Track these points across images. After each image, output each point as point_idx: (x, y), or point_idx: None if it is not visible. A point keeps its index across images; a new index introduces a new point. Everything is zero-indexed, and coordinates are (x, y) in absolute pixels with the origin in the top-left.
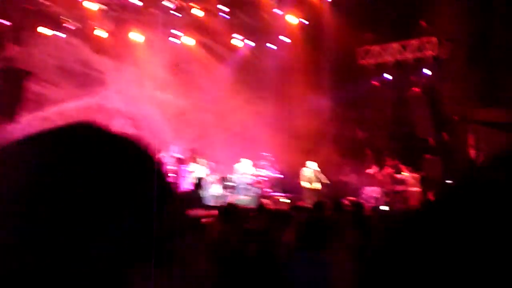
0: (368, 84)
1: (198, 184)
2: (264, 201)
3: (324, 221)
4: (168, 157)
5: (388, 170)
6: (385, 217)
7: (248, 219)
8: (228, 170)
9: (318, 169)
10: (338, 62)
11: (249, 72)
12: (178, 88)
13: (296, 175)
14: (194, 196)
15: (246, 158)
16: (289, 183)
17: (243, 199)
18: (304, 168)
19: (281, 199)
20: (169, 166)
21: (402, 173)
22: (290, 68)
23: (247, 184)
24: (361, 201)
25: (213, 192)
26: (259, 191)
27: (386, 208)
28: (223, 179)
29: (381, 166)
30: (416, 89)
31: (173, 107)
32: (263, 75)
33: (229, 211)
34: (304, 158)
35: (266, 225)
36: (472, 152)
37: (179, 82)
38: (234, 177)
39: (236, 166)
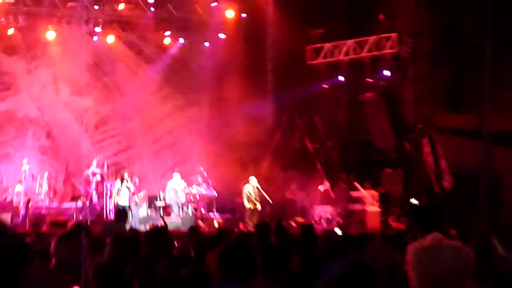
0: (318, 87)
1: (120, 214)
2: (199, 223)
3: (252, 246)
4: (87, 174)
5: (342, 186)
6: (337, 243)
7: (178, 244)
8: (157, 186)
9: (259, 186)
10: (283, 62)
11: (180, 74)
12: (99, 92)
13: (235, 193)
14: (115, 230)
15: (178, 173)
16: (227, 201)
17: (175, 221)
18: (246, 185)
19: (216, 221)
20: (90, 184)
21: (358, 189)
22: (227, 69)
23: (180, 203)
24: (310, 222)
25: (140, 214)
26: (193, 212)
27: (339, 231)
28: (152, 198)
29: (333, 182)
30: (372, 93)
31: (94, 115)
32: (196, 77)
33: (156, 235)
34: (243, 173)
35: (197, 251)
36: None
37: (100, 86)
38: (165, 195)
39: (169, 183)
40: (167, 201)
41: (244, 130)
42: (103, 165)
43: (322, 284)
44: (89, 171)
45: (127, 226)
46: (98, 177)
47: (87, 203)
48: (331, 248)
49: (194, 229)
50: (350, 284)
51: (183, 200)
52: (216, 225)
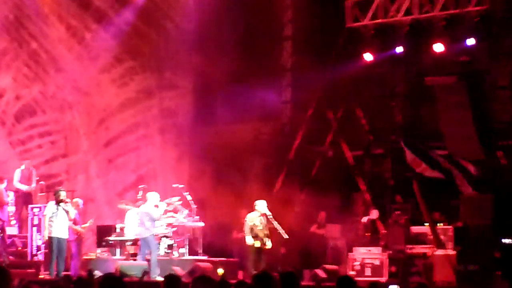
0: (361, 64)
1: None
2: (176, 270)
3: None
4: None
5: (398, 217)
6: None
7: None
8: (112, 213)
9: (270, 214)
10: (307, 24)
11: (149, 40)
12: (22, 66)
13: (231, 224)
14: None
15: (154, 192)
16: (220, 237)
17: (140, 265)
18: (249, 214)
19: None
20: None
21: (422, 222)
22: (220, 34)
23: (155, 237)
24: (349, 273)
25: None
26: (168, 251)
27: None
28: (103, 230)
29: (384, 210)
30: (448, 75)
31: (14, 101)
32: (174, 46)
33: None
34: (245, 194)
35: None
36: None
37: (24, 56)
38: (124, 226)
39: (140, 207)
40: (128, 235)
41: (246, 129)
42: (29, 177)
43: None
44: (2, 188)
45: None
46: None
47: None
48: None
49: (171, 278)
50: None
51: (158, 233)
52: (220, 272)
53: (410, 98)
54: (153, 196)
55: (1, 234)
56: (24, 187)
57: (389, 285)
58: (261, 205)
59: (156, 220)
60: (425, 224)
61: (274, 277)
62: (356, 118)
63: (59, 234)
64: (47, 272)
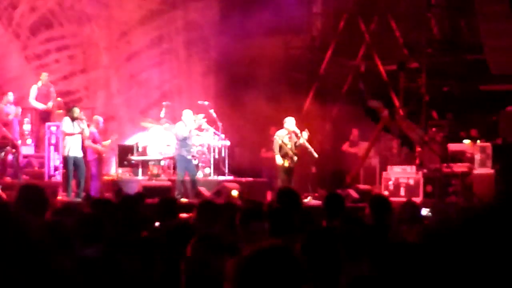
0: None
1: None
2: (202, 190)
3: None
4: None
5: (435, 134)
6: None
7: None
8: (134, 131)
9: (299, 132)
10: None
11: None
12: None
13: (259, 143)
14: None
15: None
16: (247, 156)
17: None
18: (278, 131)
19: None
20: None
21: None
22: None
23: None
24: (383, 193)
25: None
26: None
27: (425, 211)
28: (124, 149)
29: (420, 127)
30: None
31: (29, 11)
32: None
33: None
34: (272, 111)
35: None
36: None
37: None
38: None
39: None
40: (151, 154)
41: (274, 43)
42: (47, 94)
43: None
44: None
45: None
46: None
47: (13, 154)
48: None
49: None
50: None
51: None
52: (235, 194)
53: (447, 9)
54: (184, 114)
55: (15, 154)
56: (40, 106)
57: (422, 207)
58: (290, 123)
59: (182, 140)
60: (464, 141)
61: (297, 193)
62: (390, 31)
63: (75, 153)
64: (65, 193)
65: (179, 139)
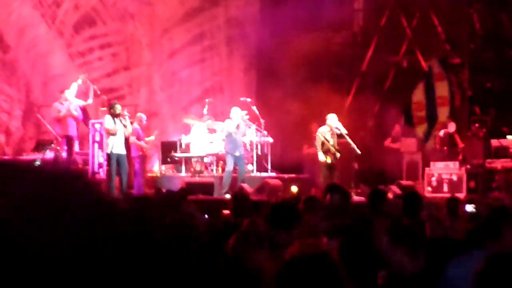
0: None
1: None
2: (244, 186)
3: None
4: (58, 106)
5: (478, 129)
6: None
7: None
8: (177, 128)
9: (342, 128)
10: None
11: None
12: None
13: (301, 139)
14: None
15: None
16: (289, 153)
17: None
18: (320, 128)
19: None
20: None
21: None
22: None
23: (227, 154)
24: (426, 189)
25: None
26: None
27: (472, 209)
28: (168, 146)
29: (464, 122)
30: None
31: (73, 9)
32: None
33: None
34: (315, 107)
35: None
36: None
37: None
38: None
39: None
40: (193, 151)
41: (316, 39)
42: (87, 92)
43: None
44: (64, 102)
45: None
46: (79, 112)
47: (62, 153)
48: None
49: (238, 196)
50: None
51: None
52: (295, 190)
53: (490, 4)
54: (232, 111)
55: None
56: (80, 102)
57: (466, 204)
58: (332, 119)
59: (229, 136)
60: (508, 137)
61: (344, 189)
62: (432, 26)
63: (118, 150)
64: (108, 191)
65: (227, 135)
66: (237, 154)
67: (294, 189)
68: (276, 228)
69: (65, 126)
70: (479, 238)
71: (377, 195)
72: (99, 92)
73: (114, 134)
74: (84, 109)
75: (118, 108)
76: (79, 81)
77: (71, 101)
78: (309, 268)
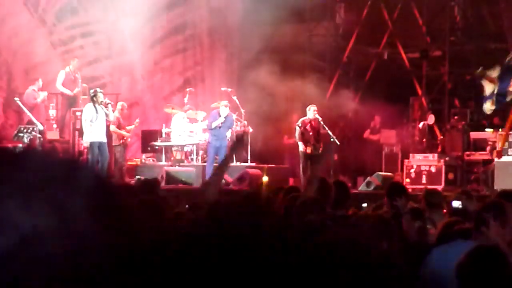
0: None
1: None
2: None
3: None
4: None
5: (457, 122)
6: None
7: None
8: (158, 117)
9: (320, 120)
10: None
11: None
12: None
13: (280, 129)
14: None
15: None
16: (268, 142)
17: (186, 171)
18: (301, 119)
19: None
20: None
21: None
22: None
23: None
24: (405, 181)
25: None
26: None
27: (458, 204)
28: (148, 135)
29: (443, 115)
30: None
31: None
32: None
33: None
34: (295, 97)
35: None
36: None
37: None
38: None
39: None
40: (174, 140)
41: (298, 30)
42: (75, 80)
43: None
44: (40, 92)
45: None
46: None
47: (39, 139)
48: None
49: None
50: (476, 279)
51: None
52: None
53: None
54: (221, 106)
55: (41, 139)
56: (67, 91)
57: (453, 201)
58: (312, 110)
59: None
60: (487, 129)
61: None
62: (413, 18)
63: (99, 138)
64: None
65: (210, 128)
66: (218, 145)
67: (264, 179)
68: None
69: (37, 113)
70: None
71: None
72: (80, 80)
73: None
74: (72, 98)
75: (101, 96)
76: (67, 69)
77: (58, 90)
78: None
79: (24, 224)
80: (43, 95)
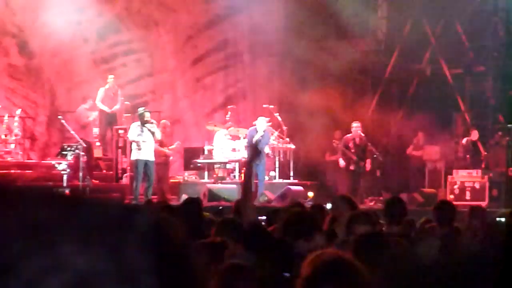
0: None
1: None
2: (267, 194)
3: None
4: (83, 111)
5: (501, 138)
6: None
7: None
8: (200, 135)
9: (362, 134)
10: None
11: None
12: None
13: (323, 147)
14: None
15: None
16: (310, 160)
17: (228, 188)
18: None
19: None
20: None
21: None
22: None
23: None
24: (448, 197)
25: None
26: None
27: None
28: (192, 153)
29: (487, 131)
30: None
31: (97, 16)
32: None
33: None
34: (338, 115)
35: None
36: None
37: None
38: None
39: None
40: (216, 157)
41: (339, 46)
42: (115, 97)
43: None
44: (83, 108)
45: None
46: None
47: (84, 157)
48: (487, 242)
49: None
50: None
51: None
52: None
53: None
54: (258, 121)
55: (86, 157)
56: (106, 108)
57: (497, 217)
58: (355, 127)
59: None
60: None
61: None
62: (456, 34)
63: (146, 157)
64: (132, 197)
65: (250, 144)
66: (257, 162)
67: (310, 194)
68: (294, 237)
69: (89, 132)
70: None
71: (395, 204)
72: (122, 98)
73: (137, 142)
74: (112, 115)
75: (147, 115)
76: (107, 86)
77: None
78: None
79: (82, 267)
80: (94, 114)
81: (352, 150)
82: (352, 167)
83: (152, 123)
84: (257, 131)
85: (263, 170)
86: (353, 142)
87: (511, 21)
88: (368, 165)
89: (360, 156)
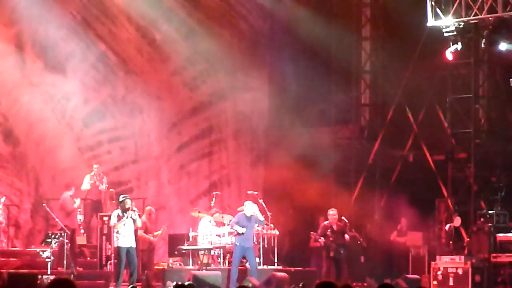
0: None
1: None
2: (252, 280)
3: None
4: (67, 198)
5: (483, 224)
6: None
7: None
8: (185, 221)
9: (346, 220)
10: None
11: (223, 39)
12: (90, 68)
13: (307, 232)
14: None
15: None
16: (294, 246)
17: (213, 275)
18: (324, 223)
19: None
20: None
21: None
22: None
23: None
24: (432, 283)
25: None
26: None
27: None
28: (176, 239)
29: (469, 217)
30: None
31: (82, 104)
32: (249, 43)
33: None
34: (321, 201)
35: None
36: None
37: (92, 58)
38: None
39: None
40: (201, 244)
41: (323, 133)
42: (98, 185)
43: None
44: (68, 195)
45: None
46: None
47: (68, 245)
48: None
49: None
50: None
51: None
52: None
53: (495, 100)
54: (246, 205)
55: (70, 244)
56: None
57: None
58: (331, 215)
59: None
60: None
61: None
62: (438, 121)
63: (127, 244)
64: (115, 284)
65: (233, 228)
66: (246, 245)
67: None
68: None
69: (73, 219)
70: None
71: None
72: (107, 185)
73: (117, 230)
74: (97, 202)
75: (128, 203)
76: (92, 173)
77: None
78: None
79: None
80: (77, 201)
81: (331, 238)
82: (331, 254)
83: (134, 210)
84: (246, 216)
85: (252, 254)
86: (331, 229)
87: (491, 108)
88: (347, 237)
89: (340, 242)
